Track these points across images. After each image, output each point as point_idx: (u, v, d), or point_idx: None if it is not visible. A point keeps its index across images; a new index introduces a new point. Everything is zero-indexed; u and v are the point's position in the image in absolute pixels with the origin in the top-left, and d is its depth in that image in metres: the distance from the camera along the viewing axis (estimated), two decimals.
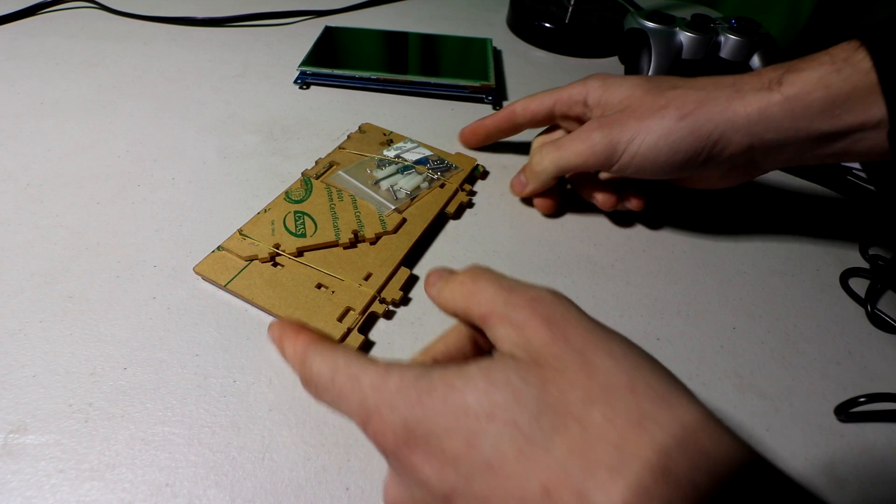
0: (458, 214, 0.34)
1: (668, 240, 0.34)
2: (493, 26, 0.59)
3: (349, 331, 0.26)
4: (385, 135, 0.39)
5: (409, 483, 0.16)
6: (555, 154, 0.31)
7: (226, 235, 0.30)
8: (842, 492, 0.22)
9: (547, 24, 0.54)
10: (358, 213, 0.32)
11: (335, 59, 0.46)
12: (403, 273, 0.29)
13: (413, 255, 0.31)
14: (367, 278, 0.28)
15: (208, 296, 0.28)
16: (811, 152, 0.28)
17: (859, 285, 0.31)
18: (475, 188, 0.36)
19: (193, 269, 0.28)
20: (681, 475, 0.12)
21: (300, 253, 0.29)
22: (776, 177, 0.40)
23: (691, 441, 0.13)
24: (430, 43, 0.51)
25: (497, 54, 0.53)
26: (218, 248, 0.29)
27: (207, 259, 0.29)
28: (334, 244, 0.30)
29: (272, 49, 0.50)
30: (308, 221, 0.31)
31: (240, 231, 0.30)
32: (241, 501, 0.21)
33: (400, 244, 0.30)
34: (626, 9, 0.55)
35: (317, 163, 0.36)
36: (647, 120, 0.28)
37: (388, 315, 0.28)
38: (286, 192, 0.33)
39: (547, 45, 0.55)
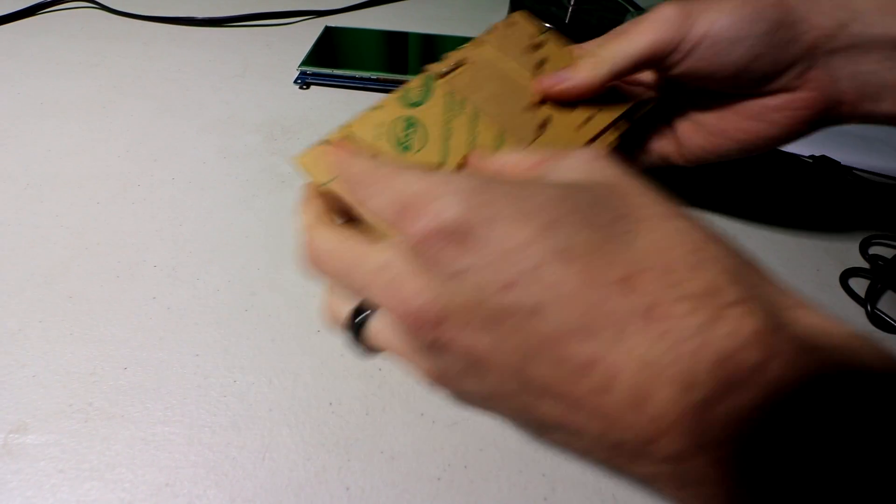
0: None
1: None
2: None
3: None
4: (542, 32, 0.30)
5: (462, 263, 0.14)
6: (617, 42, 0.26)
7: (226, 236, 0.30)
8: None
9: (546, 25, 0.54)
10: (474, 136, 0.26)
11: (335, 59, 0.46)
12: None
13: None
14: None
15: (208, 295, 0.28)
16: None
17: (859, 285, 0.31)
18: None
19: (293, 159, 0.24)
20: (755, 285, 0.13)
21: None
22: (775, 175, 0.40)
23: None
24: (430, 43, 0.51)
25: None
26: (325, 141, 0.24)
27: (312, 151, 0.24)
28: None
29: (272, 49, 0.50)
30: (419, 133, 0.25)
31: (349, 125, 0.25)
32: (241, 501, 0.21)
33: None
34: (626, 9, 0.55)
35: (444, 57, 0.28)
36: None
37: None
38: (404, 91, 0.26)
39: None
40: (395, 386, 0.25)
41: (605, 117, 0.27)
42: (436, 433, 0.23)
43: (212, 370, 0.25)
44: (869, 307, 0.30)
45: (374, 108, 0.26)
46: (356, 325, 0.17)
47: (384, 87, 0.44)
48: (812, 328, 0.12)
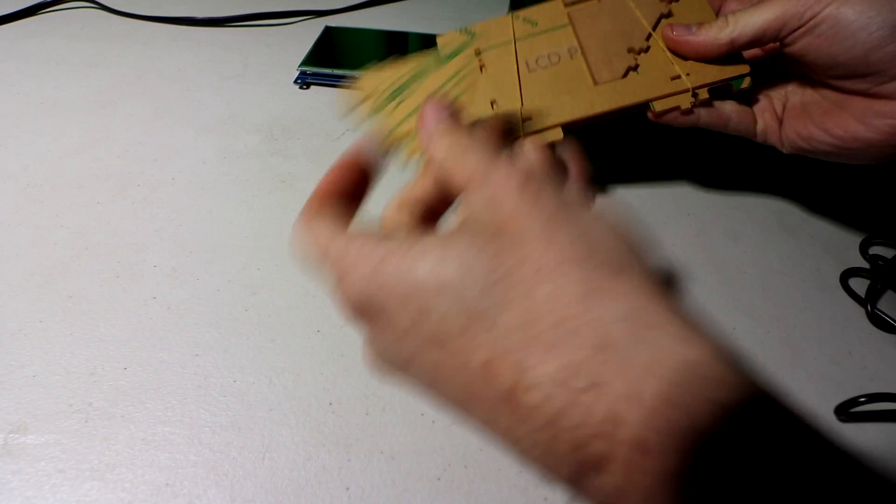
0: (660, 115, 0.29)
1: (667, 239, 0.34)
2: None
3: None
4: None
5: (374, 344, 0.16)
6: (748, 12, 0.27)
7: (226, 236, 0.31)
8: None
9: None
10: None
11: (335, 59, 0.46)
12: (556, 134, 0.29)
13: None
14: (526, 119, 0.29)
15: (208, 295, 0.28)
16: None
17: (859, 285, 0.31)
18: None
19: (437, 37, 0.33)
20: (621, 348, 0.12)
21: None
22: (775, 175, 0.40)
23: (637, 314, 0.12)
24: (430, 43, 0.51)
25: None
26: (466, 30, 0.33)
27: (451, 34, 0.33)
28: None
29: (272, 49, 0.50)
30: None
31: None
32: (242, 501, 0.21)
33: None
34: None
35: None
36: None
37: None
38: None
39: None
40: (395, 386, 0.25)
41: (699, 77, 0.29)
42: (436, 433, 0.23)
43: (212, 370, 0.25)
44: (869, 307, 0.30)
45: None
46: None
47: None
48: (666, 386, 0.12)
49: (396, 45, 0.50)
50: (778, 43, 0.27)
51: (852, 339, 0.29)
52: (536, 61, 0.31)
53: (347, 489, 0.21)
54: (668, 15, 0.30)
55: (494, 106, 0.30)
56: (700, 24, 0.29)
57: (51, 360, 0.24)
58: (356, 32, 0.51)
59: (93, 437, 0.22)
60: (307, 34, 0.51)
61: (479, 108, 0.30)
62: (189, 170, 0.35)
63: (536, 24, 0.32)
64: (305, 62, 0.45)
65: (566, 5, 0.32)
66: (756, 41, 0.27)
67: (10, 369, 0.24)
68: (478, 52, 0.32)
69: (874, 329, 0.29)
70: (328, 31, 0.50)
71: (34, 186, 0.33)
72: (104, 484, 0.21)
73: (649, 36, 0.30)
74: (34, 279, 0.28)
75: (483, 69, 0.31)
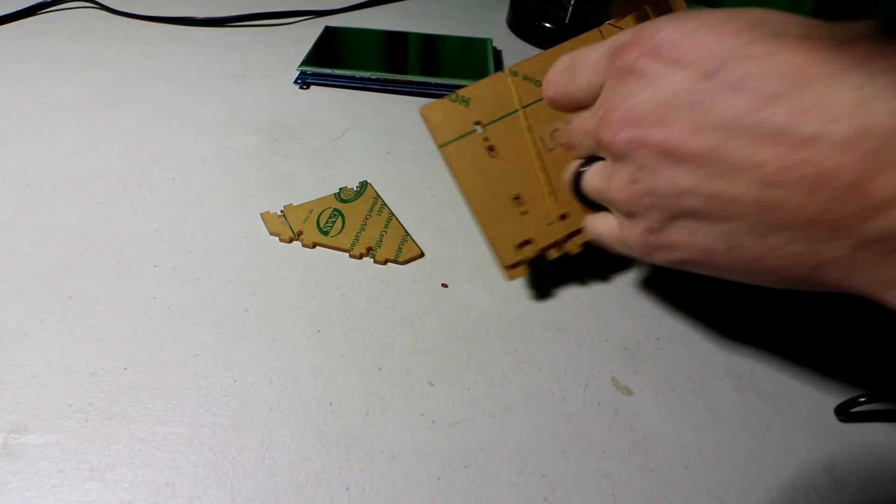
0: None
1: None
2: (493, 26, 0.59)
3: (519, 263, 0.26)
4: None
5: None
6: None
7: (226, 236, 0.30)
8: (842, 492, 0.22)
9: (547, 25, 0.54)
10: (383, 232, 0.31)
11: (335, 59, 0.46)
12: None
13: None
14: (563, 217, 0.25)
15: (208, 295, 0.28)
16: None
17: None
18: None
19: (419, 109, 0.25)
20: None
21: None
22: None
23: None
24: (430, 43, 0.51)
25: (497, 54, 0.53)
26: (458, 96, 0.25)
27: (439, 104, 0.25)
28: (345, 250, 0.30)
29: (272, 49, 0.50)
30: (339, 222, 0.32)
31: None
32: (242, 501, 0.21)
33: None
34: None
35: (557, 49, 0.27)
36: None
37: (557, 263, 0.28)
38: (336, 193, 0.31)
39: (547, 46, 0.55)
40: (395, 386, 0.25)
41: None
42: (436, 433, 0.23)
43: (212, 370, 0.25)
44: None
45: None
46: (577, 174, 0.23)
47: (384, 87, 0.44)
48: None
49: (396, 45, 0.50)
50: None
51: (853, 337, 0.29)
52: (552, 136, 0.25)
53: (347, 489, 0.21)
54: None
55: (520, 203, 0.25)
56: None
57: (51, 360, 0.24)
58: (356, 32, 0.51)
59: (93, 437, 0.22)
60: (307, 34, 0.51)
61: (499, 207, 0.25)
62: (189, 170, 0.35)
63: (539, 82, 0.25)
64: (305, 62, 0.45)
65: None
66: None
67: (10, 369, 0.24)
68: (477, 124, 0.25)
69: (875, 328, 0.29)
70: (328, 31, 0.50)
71: (34, 186, 0.33)
72: (104, 484, 0.21)
73: None
74: (34, 279, 0.28)
75: (493, 151, 0.25)
